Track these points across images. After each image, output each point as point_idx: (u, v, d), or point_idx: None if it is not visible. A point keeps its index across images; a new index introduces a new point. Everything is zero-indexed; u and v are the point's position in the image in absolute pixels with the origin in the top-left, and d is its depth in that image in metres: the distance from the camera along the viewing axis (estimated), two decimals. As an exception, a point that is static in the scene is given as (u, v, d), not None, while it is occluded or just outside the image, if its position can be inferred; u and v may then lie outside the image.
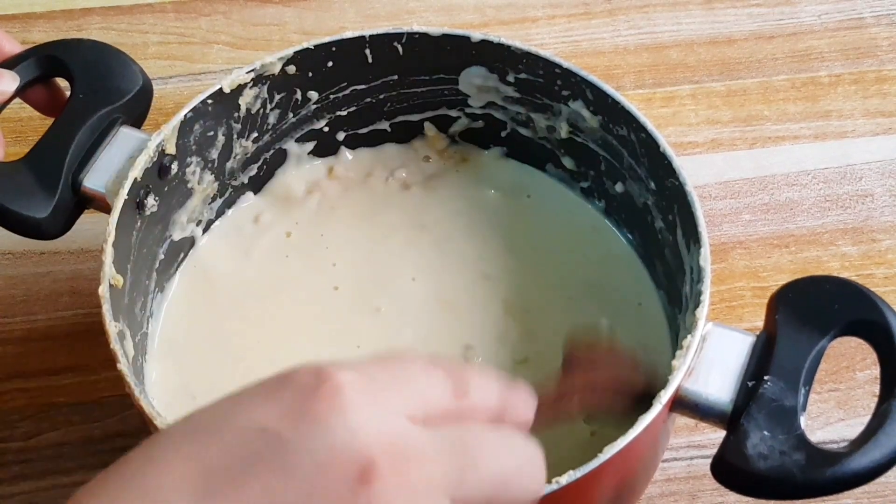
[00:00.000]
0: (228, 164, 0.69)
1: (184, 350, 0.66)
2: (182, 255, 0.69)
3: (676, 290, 0.63)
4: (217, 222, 0.71)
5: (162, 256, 0.67)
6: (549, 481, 0.49)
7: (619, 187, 0.68)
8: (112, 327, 0.56)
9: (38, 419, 0.68)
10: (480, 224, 0.71)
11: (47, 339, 0.71)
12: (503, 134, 0.72)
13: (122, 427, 0.68)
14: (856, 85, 0.83)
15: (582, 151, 0.69)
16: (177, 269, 0.69)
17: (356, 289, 0.68)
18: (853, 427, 0.67)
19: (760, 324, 0.56)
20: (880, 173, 0.79)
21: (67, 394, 0.69)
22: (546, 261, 0.69)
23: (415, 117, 0.72)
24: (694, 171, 0.75)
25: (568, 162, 0.71)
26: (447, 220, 0.71)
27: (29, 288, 0.73)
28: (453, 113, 0.72)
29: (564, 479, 0.50)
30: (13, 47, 0.65)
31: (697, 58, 0.85)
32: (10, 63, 0.64)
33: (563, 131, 0.69)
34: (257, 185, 0.72)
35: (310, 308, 0.68)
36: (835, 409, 0.68)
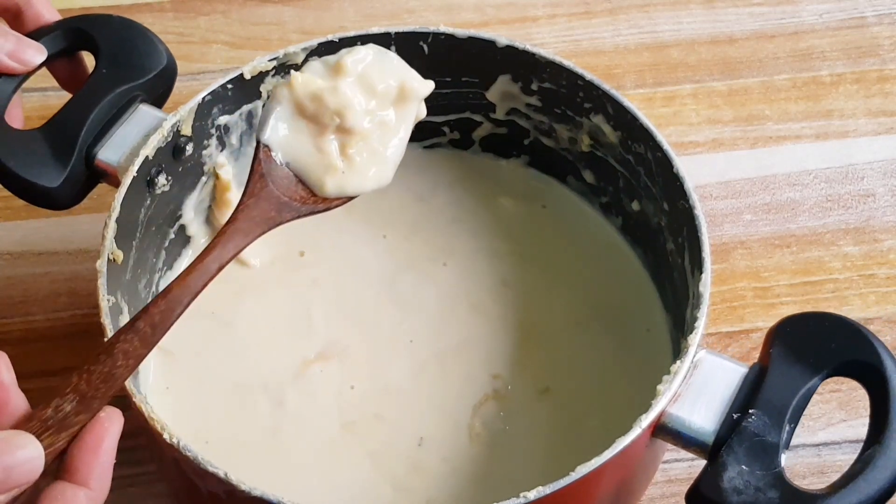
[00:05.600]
0: (246, 150, 0.69)
1: (186, 330, 0.66)
2: (193, 234, 0.69)
3: (681, 315, 0.62)
4: (233, 206, 0.71)
5: (172, 236, 0.67)
6: (516, 495, 0.49)
7: (635, 205, 0.67)
8: (104, 302, 0.56)
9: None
10: (493, 230, 0.71)
11: (45, 340, 0.70)
12: (526, 142, 0.72)
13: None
14: (858, 84, 0.82)
15: (602, 166, 0.68)
16: (188, 248, 0.69)
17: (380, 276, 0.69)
18: (855, 428, 0.66)
19: (761, 324, 0.56)
20: (882, 173, 0.78)
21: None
22: (560, 275, 0.69)
23: (438, 119, 0.72)
24: (695, 171, 0.75)
25: (588, 175, 0.70)
26: (458, 222, 0.71)
27: (27, 288, 0.73)
28: (477, 117, 0.72)
29: (532, 495, 0.49)
30: (52, 16, 0.66)
31: (698, 57, 0.84)
32: (39, 33, 0.65)
33: (584, 144, 0.68)
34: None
35: (327, 292, 0.68)
36: (836, 409, 0.67)
